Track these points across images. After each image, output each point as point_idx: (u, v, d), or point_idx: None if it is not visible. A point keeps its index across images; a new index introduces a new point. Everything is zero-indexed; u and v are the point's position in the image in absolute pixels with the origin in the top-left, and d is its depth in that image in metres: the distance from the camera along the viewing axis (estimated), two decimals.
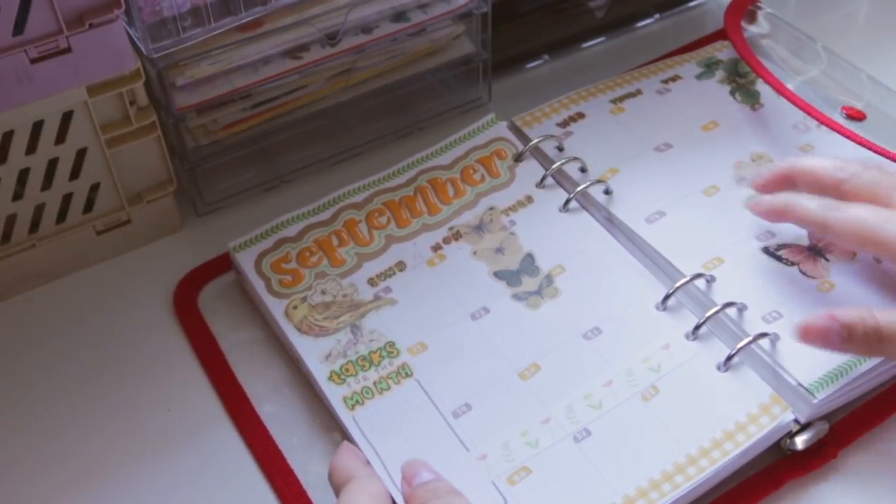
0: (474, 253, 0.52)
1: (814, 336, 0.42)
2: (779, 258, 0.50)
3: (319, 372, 0.47)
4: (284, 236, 0.53)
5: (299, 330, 0.49)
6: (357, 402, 0.46)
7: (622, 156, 0.56)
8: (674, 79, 0.61)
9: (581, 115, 0.59)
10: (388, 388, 0.46)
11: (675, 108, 0.59)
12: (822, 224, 0.46)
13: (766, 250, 0.51)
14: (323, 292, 0.50)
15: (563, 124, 0.58)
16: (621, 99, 0.60)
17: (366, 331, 0.49)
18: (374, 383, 0.46)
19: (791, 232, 0.52)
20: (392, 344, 0.48)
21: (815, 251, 0.50)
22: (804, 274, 0.49)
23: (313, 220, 0.53)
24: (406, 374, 0.47)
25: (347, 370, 0.47)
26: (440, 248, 0.52)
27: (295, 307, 0.50)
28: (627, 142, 0.57)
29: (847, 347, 0.42)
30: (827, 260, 0.50)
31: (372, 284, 0.51)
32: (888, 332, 0.41)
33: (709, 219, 0.53)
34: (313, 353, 0.48)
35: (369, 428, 0.45)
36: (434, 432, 0.44)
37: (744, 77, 0.61)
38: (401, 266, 0.52)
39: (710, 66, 0.62)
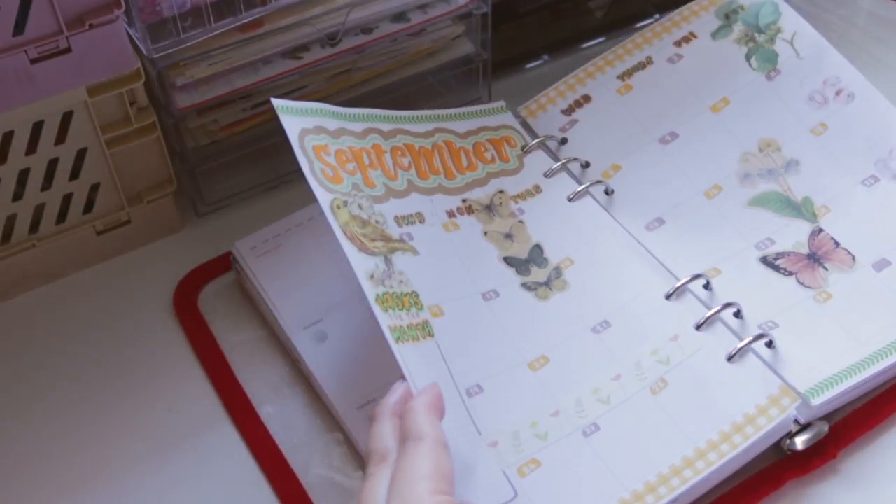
0: (485, 233, 0.52)
1: None
2: (776, 268, 0.50)
3: (368, 289, 0.43)
4: (323, 126, 0.49)
5: (345, 234, 0.44)
6: (399, 338, 0.43)
7: (626, 149, 0.55)
8: (687, 39, 0.58)
9: (587, 99, 0.57)
10: (418, 338, 0.44)
11: (686, 83, 0.57)
12: None
13: (765, 260, 0.50)
14: (360, 207, 0.47)
15: (569, 111, 0.57)
16: (629, 73, 0.57)
17: (396, 270, 0.46)
18: (408, 327, 0.44)
19: (791, 238, 0.51)
20: (416, 295, 0.46)
21: (815, 259, 0.50)
22: (801, 284, 0.49)
23: (347, 126, 0.50)
24: (429, 332, 0.45)
25: (387, 301, 0.44)
26: (454, 215, 0.52)
27: (338, 207, 0.45)
28: (632, 131, 0.56)
29: None
30: (825, 269, 0.50)
31: (398, 224, 0.49)
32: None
33: (708, 226, 0.52)
34: (360, 265, 0.44)
35: (412, 368, 0.42)
36: (450, 408, 0.43)
37: (764, 33, 0.58)
38: (420, 217, 0.50)
39: (728, 17, 0.59)
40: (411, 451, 0.37)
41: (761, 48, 0.57)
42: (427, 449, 0.37)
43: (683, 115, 0.56)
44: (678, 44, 0.58)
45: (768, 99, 0.56)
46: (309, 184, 0.45)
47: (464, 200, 0.53)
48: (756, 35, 0.58)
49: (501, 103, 0.58)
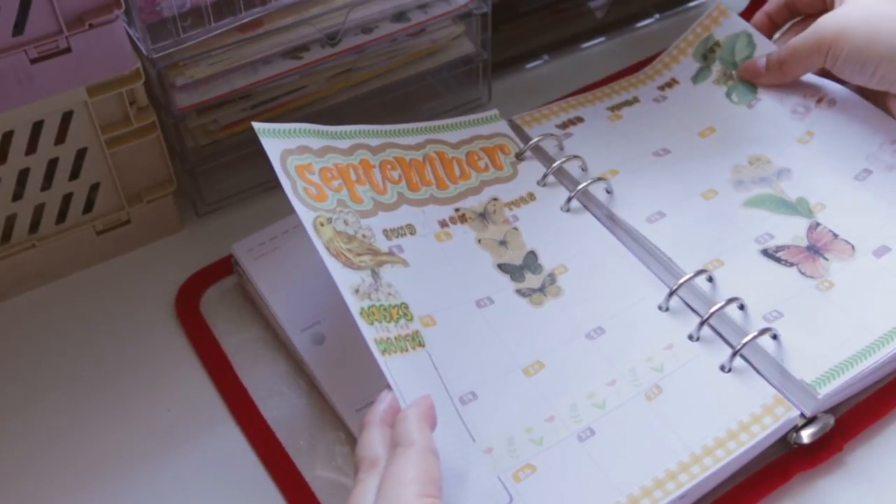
0: (479, 241, 0.52)
1: (748, 70, 0.59)
2: (778, 259, 0.50)
3: (352, 302, 0.44)
4: (307, 146, 0.49)
5: (328, 250, 0.45)
6: (386, 350, 0.43)
7: (621, 158, 0.56)
8: (670, 84, 0.61)
9: (580, 119, 0.59)
10: (407, 349, 0.44)
11: (672, 115, 0.59)
12: None
13: (766, 252, 0.51)
14: (346, 223, 0.47)
15: (563, 126, 0.58)
16: (618, 107, 0.60)
17: (384, 282, 0.47)
18: (396, 338, 0.44)
19: (789, 233, 0.51)
20: (406, 307, 0.46)
21: (814, 250, 0.50)
22: (803, 274, 0.49)
23: (332, 144, 0.50)
24: (419, 342, 0.46)
25: (373, 313, 0.44)
26: (447, 225, 0.52)
27: (322, 224, 0.46)
28: (626, 145, 0.57)
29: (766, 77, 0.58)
30: (826, 259, 0.50)
31: (387, 237, 0.49)
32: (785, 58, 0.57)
33: (708, 221, 0.52)
34: (344, 280, 0.44)
35: (399, 379, 0.42)
36: (443, 416, 0.43)
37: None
38: (411, 229, 0.50)
39: (706, 57, 0.61)
40: (400, 457, 0.37)
41: (739, 85, 0.60)
42: (416, 455, 0.37)
43: (673, 138, 0.58)
44: (662, 88, 0.61)
45: (752, 123, 0.58)
46: (291, 203, 0.45)
47: (457, 209, 0.53)
48: (734, 72, 0.60)
49: (495, 111, 0.58)
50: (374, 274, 0.46)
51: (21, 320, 0.53)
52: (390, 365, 0.42)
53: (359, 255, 0.46)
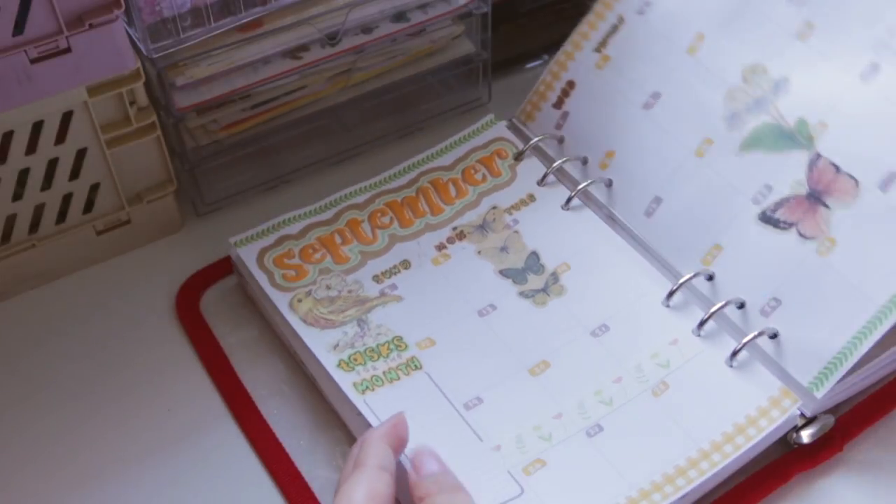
0: (479, 252, 0.52)
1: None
2: (776, 222, 0.48)
3: (327, 360, 0.46)
4: (286, 234, 0.52)
5: (304, 321, 0.48)
6: (367, 388, 0.45)
7: (615, 129, 0.54)
8: None
9: (572, 85, 0.56)
10: (398, 377, 0.46)
11: (658, 31, 0.54)
12: None
13: (763, 216, 0.48)
14: (328, 287, 0.50)
15: (559, 103, 0.56)
16: (604, 42, 0.56)
17: (372, 325, 0.48)
18: (384, 373, 0.46)
19: (789, 177, 0.48)
20: (400, 338, 0.48)
21: (815, 198, 0.47)
22: (803, 236, 0.47)
23: (315, 220, 0.53)
24: (415, 366, 0.47)
25: (356, 359, 0.46)
26: (444, 247, 0.52)
27: (300, 300, 0.49)
28: (617, 106, 0.54)
29: None
30: (827, 207, 0.47)
31: (377, 281, 0.50)
32: None
33: (705, 191, 0.50)
34: (320, 343, 0.47)
35: (382, 411, 0.44)
36: (446, 422, 0.44)
37: None
38: (406, 265, 0.51)
39: None
40: (350, 479, 0.39)
41: None
42: (364, 474, 0.39)
43: (662, 69, 0.53)
44: None
45: (745, 16, 0.52)
46: (266, 293, 0.49)
47: (454, 229, 0.53)
48: None
49: (491, 116, 0.58)
50: (361, 322, 0.48)
51: (21, 320, 0.53)
52: (370, 402, 0.44)
53: (343, 311, 0.49)
